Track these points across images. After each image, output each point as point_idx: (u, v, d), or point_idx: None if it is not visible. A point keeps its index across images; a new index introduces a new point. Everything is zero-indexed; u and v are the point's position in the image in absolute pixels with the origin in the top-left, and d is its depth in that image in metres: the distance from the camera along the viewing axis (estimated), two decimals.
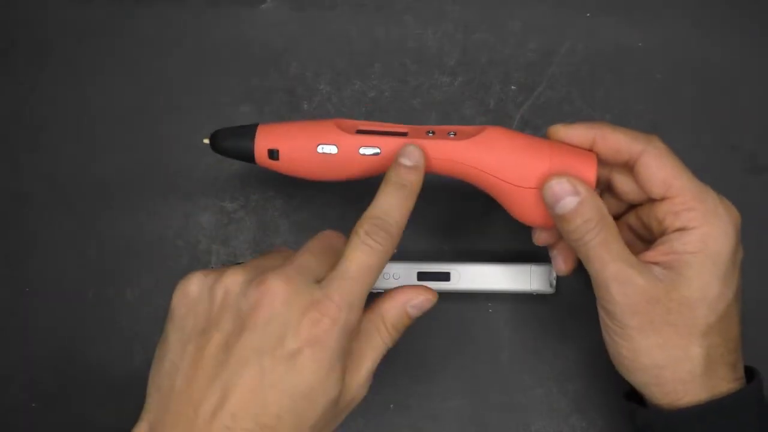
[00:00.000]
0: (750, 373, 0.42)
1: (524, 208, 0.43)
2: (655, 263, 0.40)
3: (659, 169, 0.41)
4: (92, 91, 0.54)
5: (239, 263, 0.39)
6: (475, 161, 0.42)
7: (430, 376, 0.51)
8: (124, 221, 0.52)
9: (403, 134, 0.43)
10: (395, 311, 0.41)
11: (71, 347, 0.51)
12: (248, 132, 0.44)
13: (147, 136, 0.53)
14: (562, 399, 0.50)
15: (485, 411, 0.50)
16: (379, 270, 0.39)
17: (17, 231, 0.53)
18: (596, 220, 0.40)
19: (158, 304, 0.51)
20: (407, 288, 0.41)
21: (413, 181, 0.41)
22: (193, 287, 0.38)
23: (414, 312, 0.41)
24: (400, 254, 0.51)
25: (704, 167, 0.42)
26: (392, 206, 0.40)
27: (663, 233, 0.41)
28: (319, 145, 0.43)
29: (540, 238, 0.46)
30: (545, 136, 0.43)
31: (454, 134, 0.43)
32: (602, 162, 0.43)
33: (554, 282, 0.49)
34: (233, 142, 0.44)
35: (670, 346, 0.40)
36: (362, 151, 0.43)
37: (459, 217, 0.52)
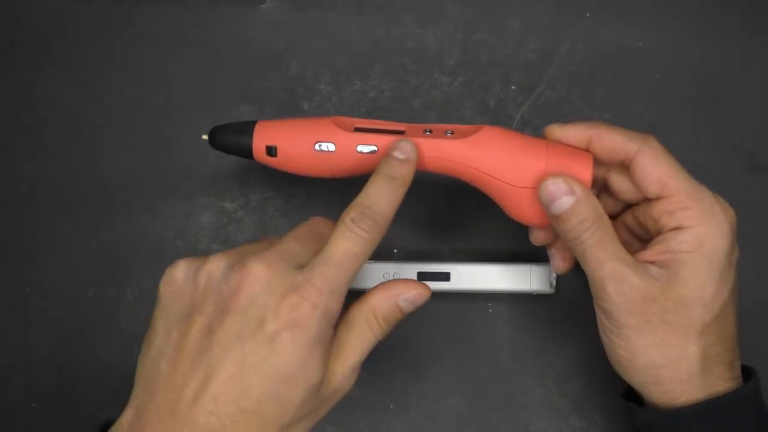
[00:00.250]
0: (747, 373, 0.42)
1: (520, 207, 0.43)
2: (651, 262, 0.40)
3: (655, 169, 0.41)
4: (92, 91, 0.54)
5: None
6: (471, 160, 0.42)
7: (430, 376, 0.51)
8: (125, 221, 0.52)
9: (401, 132, 0.43)
10: (386, 304, 0.40)
11: (71, 347, 0.51)
12: (247, 128, 0.44)
13: (147, 136, 0.53)
14: (562, 399, 0.50)
15: (485, 411, 0.50)
16: (364, 258, 0.39)
17: (17, 231, 0.53)
18: (592, 219, 0.40)
19: None
20: (400, 281, 0.41)
21: (404, 173, 0.41)
22: (179, 274, 0.38)
23: (406, 306, 0.41)
24: (401, 254, 0.52)
25: (704, 167, 0.42)
26: (381, 196, 0.40)
27: (659, 232, 0.41)
28: (317, 142, 0.43)
29: (537, 238, 0.46)
30: (543, 136, 0.44)
31: (452, 133, 0.43)
32: (598, 162, 0.43)
33: (554, 282, 0.49)
34: (232, 138, 0.44)
35: (666, 345, 0.40)
36: (360, 148, 0.43)
37: (459, 217, 0.52)
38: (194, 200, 0.53)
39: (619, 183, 0.44)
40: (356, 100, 0.53)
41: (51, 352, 0.51)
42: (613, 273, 0.40)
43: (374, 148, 0.43)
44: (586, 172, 0.41)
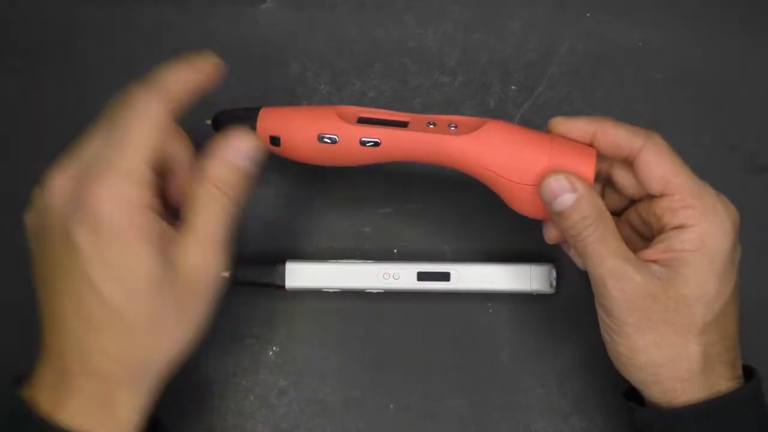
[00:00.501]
0: (749, 372, 0.42)
1: (523, 202, 0.43)
2: (654, 261, 0.40)
3: (658, 166, 0.41)
4: (92, 91, 0.54)
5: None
6: (474, 157, 0.42)
7: (429, 376, 0.51)
8: None
9: (404, 123, 0.43)
10: (220, 169, 0.39)
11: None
12: (251, 115, 0.44)
13: None
14: (562, 399, 0.50)
15: (485, 411, 0.50)
16: (159, 132, 0.37)
17: (17, 231, 0.53)
18: (593, 216, 0.40)
19: None
20: (228, 140, 0.39)
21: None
22: (33, 208, 0.40)
23: (243, 163, 0.39)
24: (400, 254, 0.52)
25: (704, 167, 0.42)
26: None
27: (661, 230, 0.41)
28: (320, 134, 0.43)
29: (551, 236, 0.46)
30: (547, 129, 0.44)
31: (455, 126, 0.43)
32: (602, 157, 0.43)
33: (554, 282, 0.49)
34: (236, 124, 0.44)
35: (667, 344, 0.40)
36: (363, 140, 0.43)
37: (459, 217, 0.52)
38: None
39: (623, 178, 0.44)
40: (356, 100, 0.53)
41: None
42: (614, 270, 0.40)
43: (377, 140, 0.43)
44: (588, 168, 0.41)
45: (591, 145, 0.43)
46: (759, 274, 0.49)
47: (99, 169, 0.36)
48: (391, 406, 0.51)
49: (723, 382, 0.40)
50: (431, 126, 0.43)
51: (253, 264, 0.50)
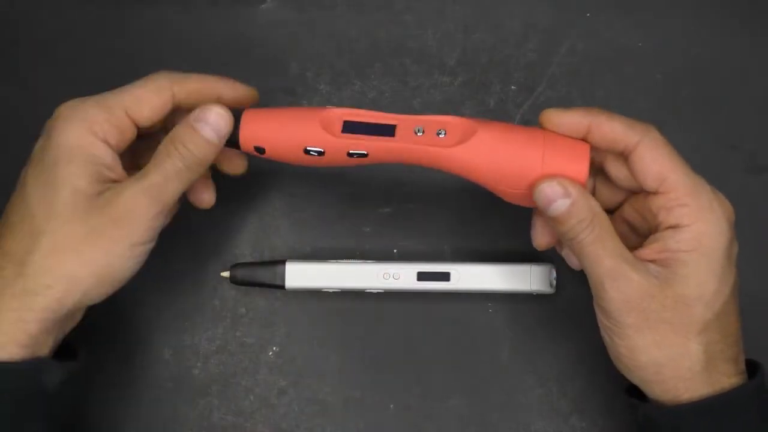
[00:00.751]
0: (753, 366, 0.42)
1: (519, 201, 0.43)
2: (650, 261, 0.40)
3: (654, 162, 0.40)
4: (92, 91, 0.54)
5: None
6: (464, 169, 0.42)
7: (430, 376, 0.51)
8: None
9: (391, 128, 0.42)
10: (182, 130, 0.42)
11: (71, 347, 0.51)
12: (234, 114, 0.43)
13: None
14: (562, 399, 0.50)
15: (485, 411, 0.50)
16: (151, 95, 0.43)
17: None
18: (589, 219, 0.40)
19: (159, 304, 0.51)
20: (198, 109, 0.42)
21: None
22: None
23: (202, 127, 0.42)
24: (400, 254, 0.52)
25: (704, 167, 0.42)
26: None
27: (657, 228, 0.41)
28: (305, 148, 0.43)
29: (541, 243, 0.46)
30: (540, 123, 0.42)
31: (444, 133, 0.42)
32: (596, 150, 0.42)
33: (554, 282, 0.49)
34: None
35: (667, 343, 0.40)
36: (350, 153, 0.42)
37: (459, 217, 0.52)
38: None
39: (617, 170, 0.43)
40: (356, 100, 0.53)
41: None
42: (612, 270, 0.39)
43: (364, 152, 0.42)
44: (582, 167, 0.41)
45: (585, 138, 0.42)
46: (759, 275, 0.49)
47: (92, 98, 0.43)
48: (391, 406, 0.51)
49: (726, 378, 0.40)
50: (419, 134, 0.42)
51: (253, 264, 0.50)
